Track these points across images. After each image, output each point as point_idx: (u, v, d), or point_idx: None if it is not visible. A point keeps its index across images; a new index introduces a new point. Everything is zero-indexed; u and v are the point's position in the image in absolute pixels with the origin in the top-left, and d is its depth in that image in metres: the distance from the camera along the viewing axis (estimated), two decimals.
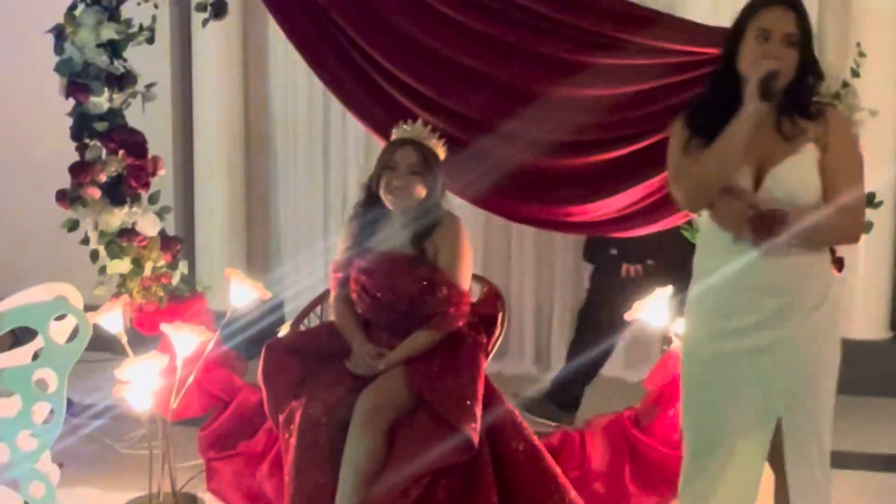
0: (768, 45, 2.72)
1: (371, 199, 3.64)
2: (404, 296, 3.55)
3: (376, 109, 4.02)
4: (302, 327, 3.97)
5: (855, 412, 5.15)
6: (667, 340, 3.87)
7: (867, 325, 5.54)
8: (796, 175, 2.73)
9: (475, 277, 3.97)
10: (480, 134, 3.90)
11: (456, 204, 4.29)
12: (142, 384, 3.74)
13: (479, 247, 5.93)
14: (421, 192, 3.56)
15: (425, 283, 3.52)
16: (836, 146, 2.73)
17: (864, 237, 3.71)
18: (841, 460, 4.49)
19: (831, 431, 2.86)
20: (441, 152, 3.66)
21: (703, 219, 2.89)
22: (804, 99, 2.78)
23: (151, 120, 4.16)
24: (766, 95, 2.68)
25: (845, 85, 3.51)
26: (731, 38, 2.80)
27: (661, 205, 3.81)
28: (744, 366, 2.79)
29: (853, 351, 5.32)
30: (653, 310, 3.81)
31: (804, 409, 2.78)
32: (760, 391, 2.78)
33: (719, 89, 2.82)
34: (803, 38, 2.74)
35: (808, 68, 2.77)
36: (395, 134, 3.67)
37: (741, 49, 2.76)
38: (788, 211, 2.67)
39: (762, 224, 2.68)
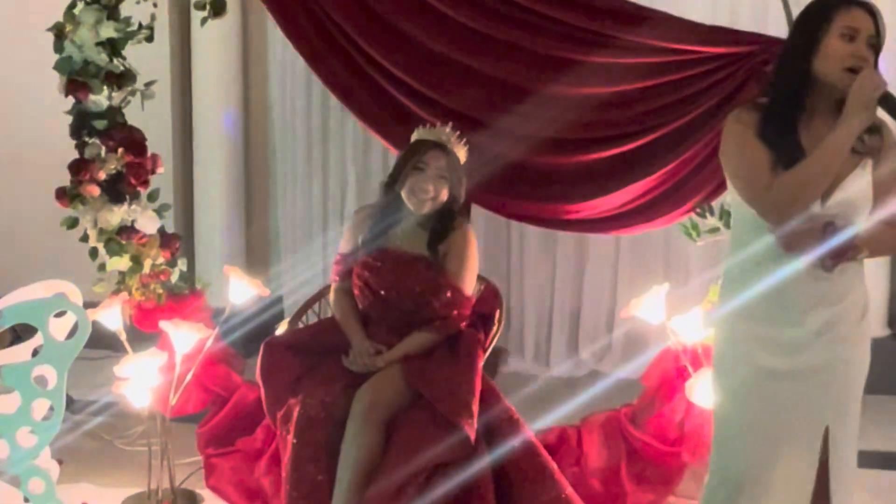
0: (855, 45, 2.54)
1: (391, 198, 3.64)
2: (408, 295, 3.56)
3: (373, 106, 4.04)
4: (300, 324, 3.97)
5: None
6: (664, 338, 3.86)
7: None
8: (859, 190, 2.59)
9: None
10: (476, 131, 3.90)
11: None
12: (141, 381, 3.76)
13: (479, 244, 5.91)
14: (444, 196, 3.58)
15: (431, 283, 3.54)
16: (888, 160, 2.60)
17: None
18: None
19: None
20: (463, 156, 3.67)
21: (739, 230, 2.74)
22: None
23: (151, 118, 4.17)
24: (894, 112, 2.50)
25: None
26: (807, 36, 2.59)
27: (659, 202, 3.84)
28: (796, 381, 2.65)
29: None
30: (650, 307, 3.82)
31: (851, 417, 2.74)
32: (810, 404, 2.66)
33: (789, 91, 2.62)
34: (880, 42, 2.59)
35: None
36: (422, 135, 3.67)
37: (822, 47, 2.55)
38: (858, 238, 2.56)
39: (835, 250, 2.54)
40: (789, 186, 2.52)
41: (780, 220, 2.55)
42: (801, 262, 2.56)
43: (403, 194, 3.58)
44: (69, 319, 3.38)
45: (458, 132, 3.66)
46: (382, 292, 3.59)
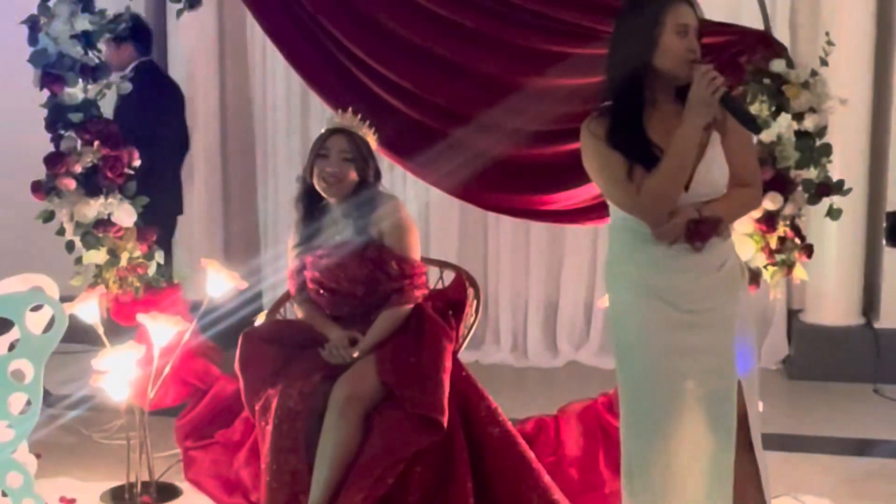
0: (688, 39, 2.76)
1: (307, 193, 3.65)
2: (358, 280, 3.57)
3: (354, 101, 4.02)
4: (278, 317, 3.98)
5: (828, 397, 5.25)
6: None
7: (839, 312, 5.59)
8: (717, 167, 2.80)
9: (445, 264, 4.00)
10: (458, 125, 3.91)
11: (434, 193, 4.33)
12: (119, 374, 3.75)
13: (455, 236, 5.97)
14: (353, 177, 3.58)
15: (374, 261, 3.54)
16: (732, 130, 2.81)
17: (836, 224, 3.84)
18: (812, 445, 4.59)
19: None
20: (372, 141, 3.68)
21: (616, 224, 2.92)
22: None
23: None
24: (747, 118, 2.79)
25: (814, 74, 3.55)
26: (642, 34, 2.76)
27: None
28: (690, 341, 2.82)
29: (826, 337, 5.53)
30: None
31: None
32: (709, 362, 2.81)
33: (631, 90, 2.80)
34: (699, 30, 2.81)
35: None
36: (326, 125, 3.69)
37: (660, 44, 2.75)
38: (721, 217, 2.77)
39: (698, 233, 2.74)
40: (653, 191, 2.72)
41: (656, 222, 2.76)
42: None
43: (315, 184, 3.59)
44: (46, 313, 3.38)
45: (359, 115, 3.67)
46: (334, 285, 3.60)
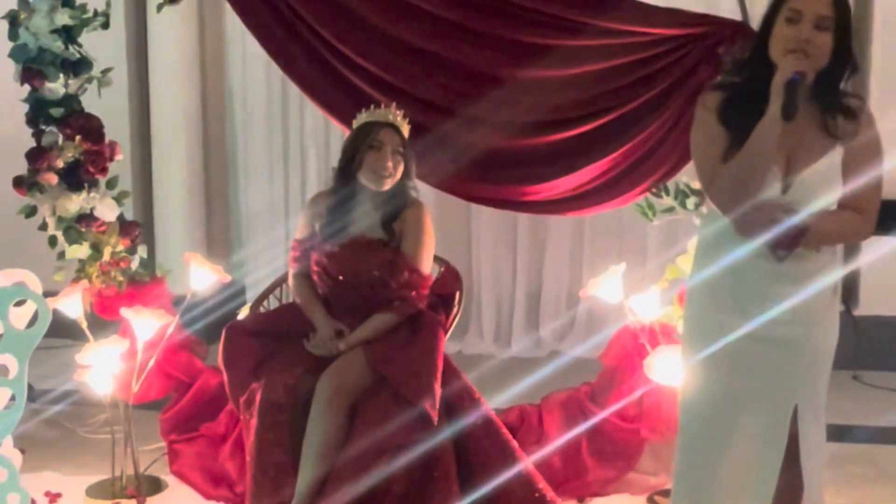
0: (798, 28, 2.52)
1: (346, 184, 3.64)
2: (366, 279, 3.58)
3: (338, 96, 4.02)
4: (261, 310, 3.99)
5: None
6: (622, 316, 3.91)
7: None
8: (824, 180, 2.57)
9: (434, 258, 4.01)
10: (443, 119, 3.92)
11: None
12: (102, 368, 3.75)
13: (437, 226, 5.89)
14: (401, 173, 3.61)
15: (388, 265, 3.55)
16: (860, 149, 2.56)
17: None
18: None
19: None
20: (406, 134, 3.69)
21: (707, 212, 2.78)
22: (836, 92, 2.59)
23: (108, 105, 4.14)
24: (788, 109, 2.48)
25: None
26: (765, 20, 2.60)
27: (615, 183, 3.88)
28: (759, 355, 2.64)
29: None
30: (608, 286, 3.85)
31: (817, 395, 2.75)
32: (774, 382, 2.66)
33: (752, 75, 2.62)
34: (840, 23, 2.53)
35: (843, 57, 2.55)
36: (368, 117, 3.65)
37: (773, 32, 2.56)
38: (808, 227, 2.52)
39: (784, 240, 2.53)
40: (727, 180, 2.56)
41: (726, 211, 2.59)
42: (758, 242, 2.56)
43: (362, 176, 3.59)
44: (29, 308, 3.35)
45: (401, 111, 3.68)
46: (340, 277, 3.60)
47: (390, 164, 3.57)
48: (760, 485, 2.66)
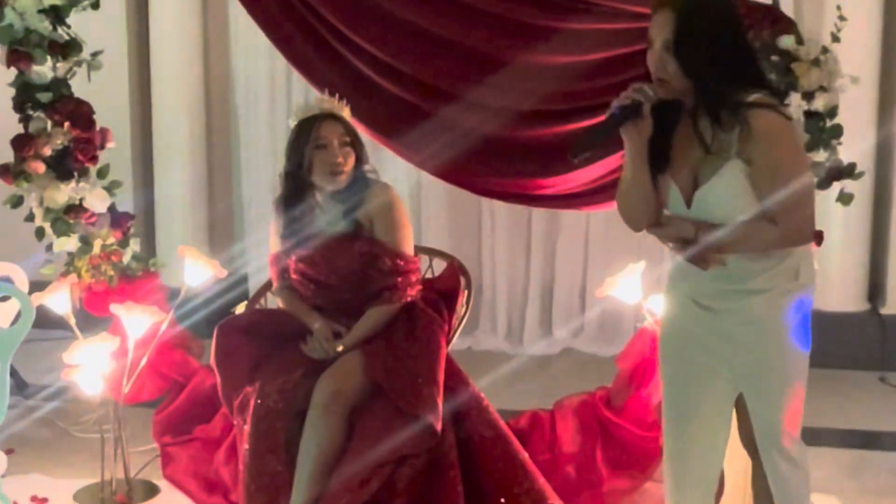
0: (651, 53, 2.58)
1: (299, 188, 3.47)
2: (347, 274, 3.43)
3: (336, 79, 3.91)
4: (258, 307, 3.83)
5: (832, 386, 5.10)
6: (640, 317, 3.75)
7: (844, 297, 5.45)
8: (720, 196, 2.57)
9: (436, 253, 3.85)
10: (444, 103, 3.81)
11: (425, 177, 4.18)
12: (92, 367, 3.62)
13: (448, 220, 5.86)
14: (352, 163, 3.44)
15: (366, 256, 3.40)
16: (760, 156, 2.51)
17: (840, 207, 3.65)
18: (816, 436, 4.43)
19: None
20: (348, 117, 3.53)
21: None
22: (715, 108, 2.55)
23: (108, 91, 4.03)
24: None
25: (825, 51, 3.37)
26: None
27: None
28: (711, 345, 2.70)
29: (830, 323, 5.38)
30: (625, 286, 3.71)
31: (768, 384, 2.67)
32: (723, 371, 2.70)
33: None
34: (681, 44, 2.52)
35: (704, 74, 2.53)
36: (305, 112, 3.48)
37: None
38: (711, 245, 2.56)
39: (698, 258, 2.59)
40: (616, 196, 2.74)
41: (631, 228, 2.75)
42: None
43: (316, 178, 3.43)
44: (13, 305, 3.30)
45: (335, 95, 3.53)
46: (322, 278, 3.46)
47: (340, 159, 3.39)
48: (707, 469, 2.77)
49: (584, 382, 4.04)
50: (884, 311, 5.48)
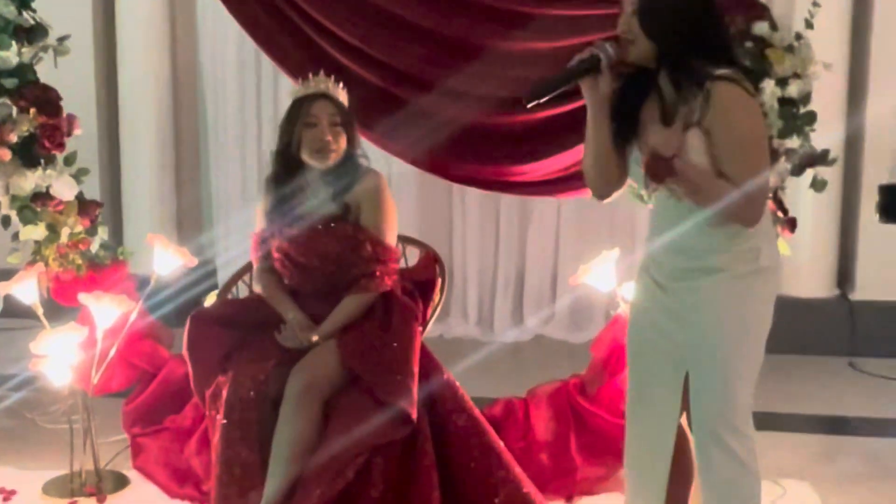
0: (622, 16, 2.59)
1: (289, 166, 3.45)
2: (329, 257, 3.39)
3: (313, 68, 3.83)
4: (230, 296, 3.78)
5: (802, 372, 5.13)
6: (613, 305, 3.74)
7: (814, 283, 5.49)
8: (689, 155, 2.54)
9: (412, 241, 3.82)
10: (420, 91, 3.77)
11: (395, 164, 4.15)
12: (60, 358, 3.55)
13: (418, 208, 5.84)
14: (344, 143, 3.42)
15: (348, 240, 3.37)
16: (720, 129, 2.50)
17: (810, 194, 3.65)
18: (787, 422, 4.46)
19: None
20: (345, 100, 3.50)
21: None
22: (675, 73, 2.55)
23: (73, 76, 3.96)
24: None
25: (799, 37, 3.37)
26: None
27: None
28: (661, 323, 2.70)
29: (800, 309, 5.41)
30: (600, 273, 3.69)
31: (711, 366, 2.63)
32: (673, 353, 2.68)
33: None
34: (646, 6, 2.54)
35: (666, 38, 2.54)
36: (298, 92, 3.47)
37: None
38: (672, 158, 2.52)
39: (652, 168, 2.55)
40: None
41: (594, 194, 2.80)
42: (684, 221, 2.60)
43: (304, 156, 3.41)
44: None
45: (332, 77, 3.50)
46: (303, 260, 3.41)
47: (329, 137, 3.37)
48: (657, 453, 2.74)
49: (555, 369, 4.04)
50: (853, 296, 5.52)
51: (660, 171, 2.54)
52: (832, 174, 4.95)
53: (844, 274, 5.62)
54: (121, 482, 3.79)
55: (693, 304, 2.62)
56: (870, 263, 5.48)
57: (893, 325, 5.41)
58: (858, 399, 4.87)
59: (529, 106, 2.60)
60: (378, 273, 3.38)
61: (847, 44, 5.31)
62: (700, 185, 2.52)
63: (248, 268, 3.85)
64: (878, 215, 4.66)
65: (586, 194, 4.02)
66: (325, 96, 3.42)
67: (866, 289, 5.49)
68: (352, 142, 3.43)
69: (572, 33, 3.60)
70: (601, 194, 2.79)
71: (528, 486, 3.29)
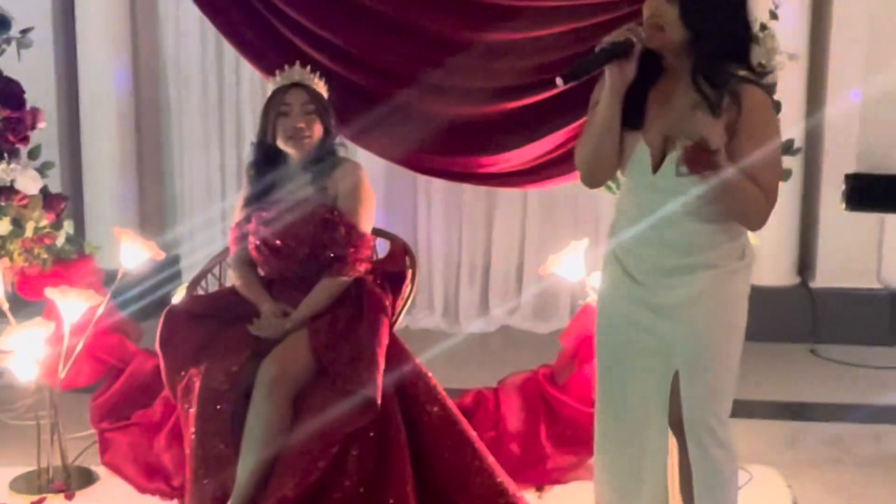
0: (647, 3, 2.53)
1: (266, 154, 3.47)
2: (303, 239, 3.39)
3: (286, 65, 3.81)
4: (200, 290, 3.76)
5: (765, 359, 5.19)
6: (582, 294, 3.76)
7: (775, 272, 5.54)
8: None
9: (382, 233, 3.82)
10: (396, 86, 3.76)
11: (361, 154, 4.14)
12: (26, 353, 3.52)
13: (383, 199, 5.80)
14: (319, 131, 3.43)
15: (323, 222, 3.38)
16: (748, 131, 2.48)
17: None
18: (750, 409, 4.51)
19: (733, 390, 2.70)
20: (324, 91, 3.52)
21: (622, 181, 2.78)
22: (709, 69, 2.51)
23: (32, 68, 3.90)
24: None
25: (763, 28, 3.40)
26: None
27: (573, 155, 3.71)
28: (640, 319, 2.67)
29: (762, 297, 5.40)
30: (568, 263, 3.71)
31: (702, 365, 2.61)
32: (659, 349, 2.65)
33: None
34: None
35: (705, 28, 2.50)
36: (275, 84, 3.50)
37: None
38: (717, 150, 2.42)
39: (689, 156, 2.44)
40: (577, 152, 2.69)
41: (584, 183, 2.74)
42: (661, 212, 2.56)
43: (280, 144, 3.44)
44: None
45: (308, 67, 3.52)
46: (278, 243, 3.41)
47: (301, 124, 3.40)
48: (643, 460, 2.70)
49: (522, 360, 4.06)
50: (813, 284, 5.59)
51: (702, 161, 2.43)
52: (794, 164, 5.05)
53: (805, 262, 5.69)
54: (89, 478, 3.77)
55: (682, 300, 2.59)
56: (830, 252, 5.55)
57: (853, 312, 5.49)
58: (820, 385, 4.94)
59: (563, 83, 2.50)
60: (350, 257, 3.38)
61: (807, 35, 5.36)
62: (736, 185, 2.47)
63: (217, 261, 3.84)
64: (843, 204, 4.70)
65: (555, 185, 4.09)
66: (299, 85, 3.44)
67: (827, 277, 5.56)
68: (329, 131, 3.45)
69: (547, 24, 3.62)
70: (594, 182, 2.73)
71: (502, 476, 3.30)
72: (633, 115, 2.58)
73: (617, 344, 2.73)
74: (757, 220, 2.59)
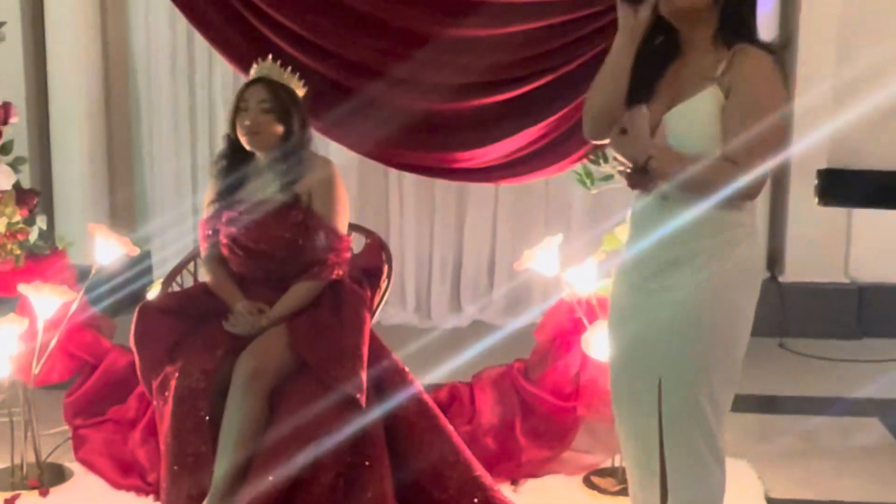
0: None
1: (234, 148, 3.46)
2: (279, 244, 3.37)
3: (258, 58, 3.80)
4: (174, 286, 3.75)
5: None
6: (558, 289, 3.77)
7: None
8: (686, 122, 2.41)
9: (357, 228, 3.82)
10: (368, 80, 3.76)
11: (333, 148, 4.14)
12: None
13: (355, 194, 5.80)
14: (277, 129, 3.38)
15: (300, 227, 3.36)
16: (741, 90, 2.36)
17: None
18: None
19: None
20: (299, 89, 3.48)
21: None
22: (723, 24, 2.42)
23: (1, 63, 3.87)
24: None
25: None
26: None
27: (550, 149, 3.76)
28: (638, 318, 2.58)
29: None
30: (543, 258, 3.72)
31: (683, 371, 2.51)
32: (643, 348, 2.57)
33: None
34: None
35: None
36: (250, 75, 3.50)
37: None
38: (652, 156, 2.36)
39: (630, 174, 2.42)
40: (586, 101, 2.58)
41: (586, 134, 2.61)
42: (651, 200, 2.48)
43: (241, 139, 3.41)
44: None
45: (279, 61, 3.49)
46: (252, 245, 3.39)
47: (248, 122, 3.36)
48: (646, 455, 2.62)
49: (495, 355, 4.06)
50: (782, 279, 5.64)
51: (639, 181, 2.42)
52: None
53: (774, 257, 5.74)
54: (63, 474, 3.75)
55: (674, 302, 2.48)
56: (799, 246, 5.60)
57: (822, 306, 5.56)
58: (790, 379, 4.99)
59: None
60: (330, 261, 3.37)
61: (775, 29, 5.40)
62: (697, 186, 2.36)
63: (191, 257, 3.83)
64: (816, 198, 4.74)
65: (529, 180, 4.11)
66: (263, 81, 3.41)
67: (796, 271, 5.62)
68: (289, 129, 3.39)
69: (521, 20, 3.63)
70: (597, 134, 2.57)
71: (479, 469, 3.31)
72: (644, 91, 2.48)
73: (617, 350, 2.67)
74: (735, 192, 2.37)
